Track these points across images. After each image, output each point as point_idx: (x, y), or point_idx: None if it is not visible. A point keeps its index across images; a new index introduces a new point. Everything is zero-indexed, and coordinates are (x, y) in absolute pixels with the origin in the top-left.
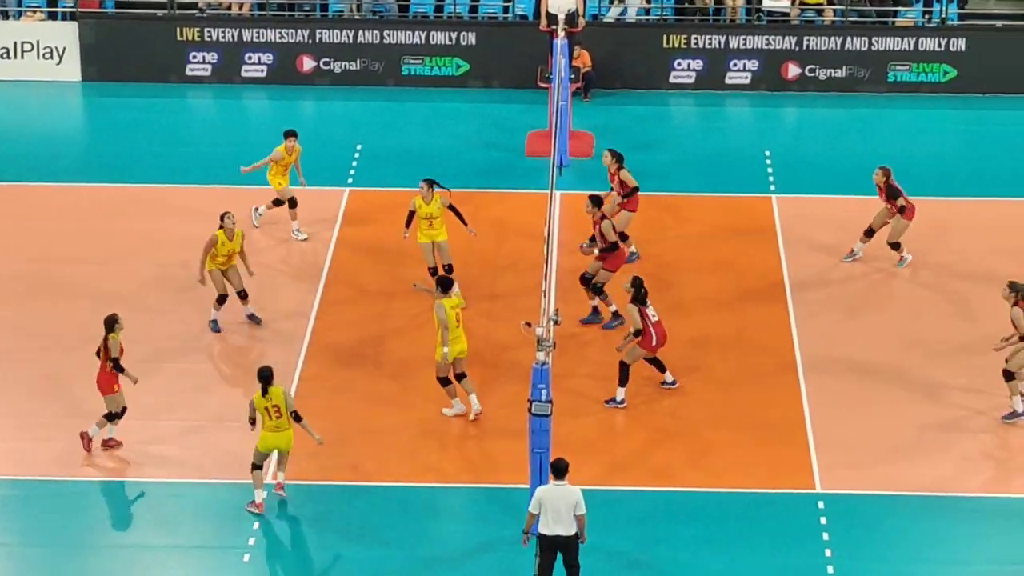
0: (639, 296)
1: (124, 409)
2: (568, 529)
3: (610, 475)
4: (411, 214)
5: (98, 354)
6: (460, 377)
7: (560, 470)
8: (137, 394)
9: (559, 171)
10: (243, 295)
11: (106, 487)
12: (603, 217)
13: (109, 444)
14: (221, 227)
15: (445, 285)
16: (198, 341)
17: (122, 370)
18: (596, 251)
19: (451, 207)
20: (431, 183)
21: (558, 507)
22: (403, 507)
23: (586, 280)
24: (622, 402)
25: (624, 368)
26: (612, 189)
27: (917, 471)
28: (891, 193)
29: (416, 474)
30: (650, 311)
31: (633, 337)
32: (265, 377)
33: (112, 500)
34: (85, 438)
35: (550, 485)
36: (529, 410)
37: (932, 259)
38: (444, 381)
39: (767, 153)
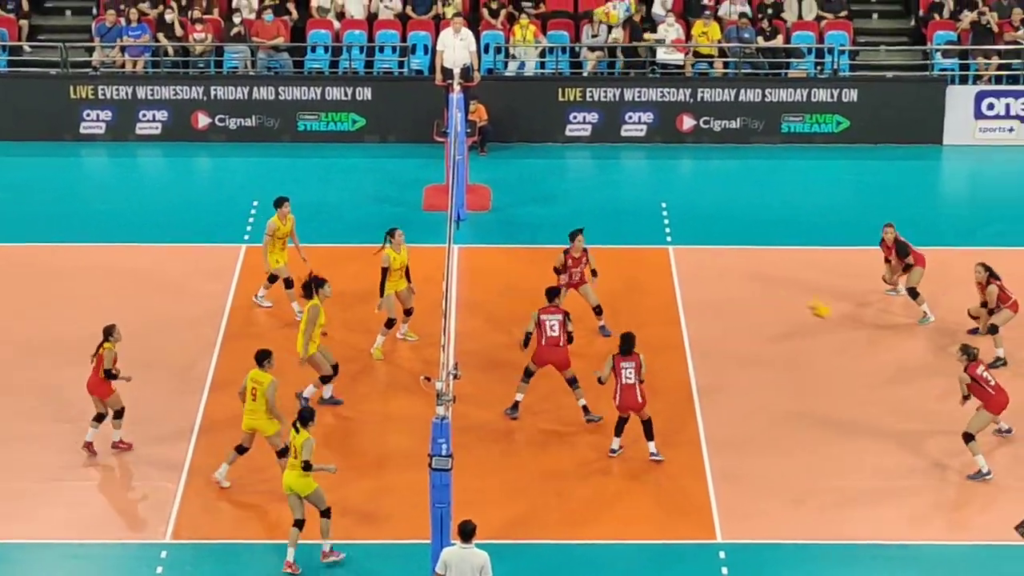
0: (621, 347)
1: (123, 409)
2: None
3: (512, 528)
4: (385, 272)
5: (93, 359)
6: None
7: (467, 533)
8: (26, 454)
9: (457, 225)
10: (333, 369)
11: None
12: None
13: (119, 446)
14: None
15: (259, 357)
16: (86, 403)
17: (114, 378)
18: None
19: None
20: (394, 232)
21: (463, 570)
22: (306, 566)
23: (571, 381)
24: (615, 451)
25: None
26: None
27: (818, 520)
28: (900, 250)
29: (313, 533)
30: (626, 371)
31: (598, 382)
32: (301, 418)
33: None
34: (89, 448)
35: (456, 547)
36: (429, 465)
37: (830, 305)
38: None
39: (663, 204)
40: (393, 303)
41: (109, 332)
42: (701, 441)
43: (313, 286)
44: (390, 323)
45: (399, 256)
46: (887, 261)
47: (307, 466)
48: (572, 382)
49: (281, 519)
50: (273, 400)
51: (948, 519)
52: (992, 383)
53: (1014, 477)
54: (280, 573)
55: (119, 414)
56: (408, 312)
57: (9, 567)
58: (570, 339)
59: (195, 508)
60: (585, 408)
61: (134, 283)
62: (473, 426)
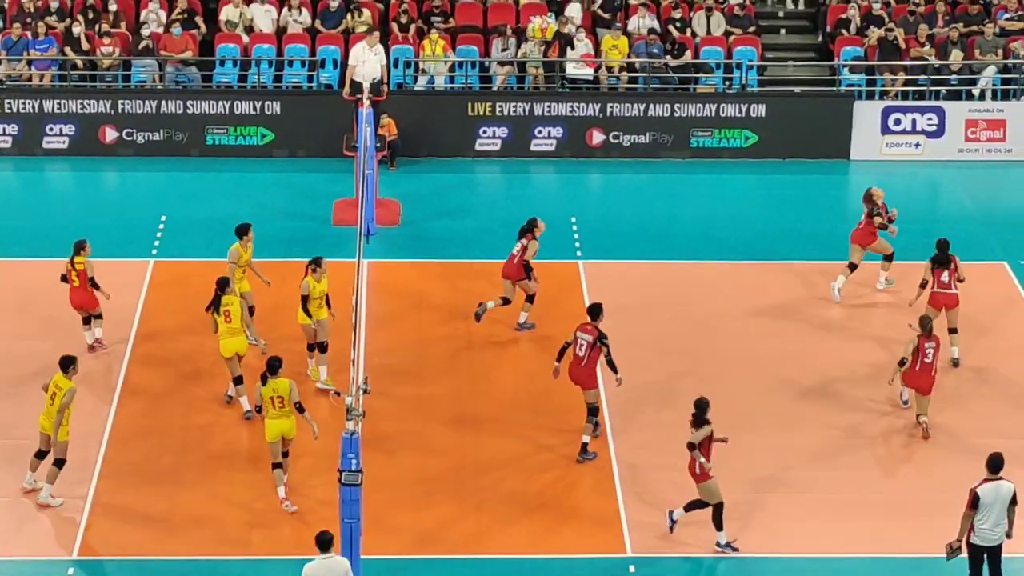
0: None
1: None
2: None
3: (420, 544)
4: (305, 299)
5: (63, 279)
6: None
7: (324, 543)
8: None
9: (366, 240)
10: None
11: None
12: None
13: (97, 345)
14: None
15: (64, 364)
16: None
17: (98, 288)
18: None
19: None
20: (320, 261)
21: None
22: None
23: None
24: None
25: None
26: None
27: (729, 533)
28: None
29: (225, 548)
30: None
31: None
32: (271, 367)
33: None
34: (99, 344)
35: (316, 560)
36: (339, 480)
37: (741, 319)
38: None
39: (573, 219)
40: (309, 331)
41: (81, 247)
42: (611, 456)
43: (218, 288)
44: (323, 347)
45: (319, 285)
46: (874, 233)
47: (300, 408)
48: (591, 410)
49: (192, 534)
50: (68, 406)
51: (859, 533)
52: (928, 362)
53: (943, 490)
54: None
55: (99, 317)
56: (322, 346)
57: None
58: (611, 367)
59: (103, 523)
60: (584, 447)
61: (41, 297)
62: (383, 441)
